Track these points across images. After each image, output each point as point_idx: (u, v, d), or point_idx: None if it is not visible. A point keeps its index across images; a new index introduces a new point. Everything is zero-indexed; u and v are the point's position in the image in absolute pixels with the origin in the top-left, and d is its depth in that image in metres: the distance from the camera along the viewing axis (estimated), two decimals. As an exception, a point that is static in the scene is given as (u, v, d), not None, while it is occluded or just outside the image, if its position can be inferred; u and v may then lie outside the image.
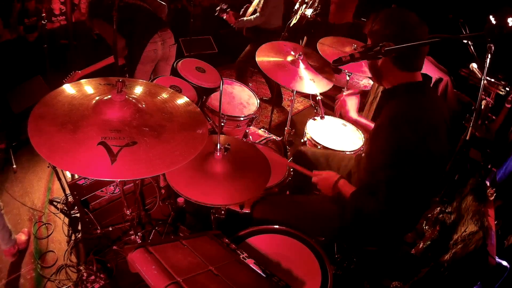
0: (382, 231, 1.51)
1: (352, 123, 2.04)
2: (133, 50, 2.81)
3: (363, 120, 2.05)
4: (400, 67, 1.38)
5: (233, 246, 1.34)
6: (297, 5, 4.37)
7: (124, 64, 2.90)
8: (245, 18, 3.66)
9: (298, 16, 4.26)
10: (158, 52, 2.87)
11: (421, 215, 2.27)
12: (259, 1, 3.62)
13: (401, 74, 1.39)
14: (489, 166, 2.35)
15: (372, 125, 2.00)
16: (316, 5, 4.16)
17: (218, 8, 3.66)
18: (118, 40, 2.47)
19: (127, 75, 2.92)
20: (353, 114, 2.05)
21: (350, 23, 4.61)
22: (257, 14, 3.59)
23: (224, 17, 3.69)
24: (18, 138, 2.93)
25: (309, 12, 4.05)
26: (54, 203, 2.54)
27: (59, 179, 2.33)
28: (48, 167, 2.85)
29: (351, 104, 2.07)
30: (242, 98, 2.80)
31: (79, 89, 1.46)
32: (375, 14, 1.40)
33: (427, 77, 1.45)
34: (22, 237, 2.21)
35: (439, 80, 2.86)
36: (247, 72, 4.12)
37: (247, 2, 3.94)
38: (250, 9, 3.76)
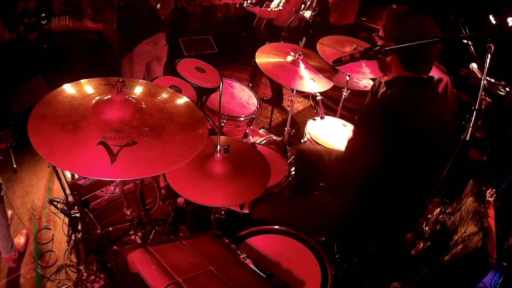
0: (385, 228, 1.52)
1: None
2: (125, 44, 2.81)
3: None
4: (406, 67, 1.37)
5: (233, 246, 1.34)
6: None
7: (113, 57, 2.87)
8: (269, 9, 3.84)
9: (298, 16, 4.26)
10: (150, 52, 2.89)
11: (421, 215, 2.27)
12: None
13: (405, 73, 1.39)
14: (493, 169, 2.32)
15: None
16: (314, 5, 4.17)
17: (249, 1, 3.82)
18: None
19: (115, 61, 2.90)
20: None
21: (351, 24, 4.61)
22: (280, 7, 3.77)
23: (250, 8, 3.85)
24: (18, 138, 2.93)
25: (307, 14, 4.07)
26: (54, 203, 2.54)
27: (59, 179, 2.32)
28: (48, 167, 2.85)
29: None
30: (242, 98, 2.80)
31: (79, 89, 1.46)
32: (390, 8, 1.39)
33: (429, 77, 1.44)
34: (21, 240, 2.20)
35: (439, 80, 2.86)
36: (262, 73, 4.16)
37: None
38: (273, 4, 3.90)
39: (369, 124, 1.33)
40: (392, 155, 1.30)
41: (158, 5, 2.92)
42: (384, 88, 1.55)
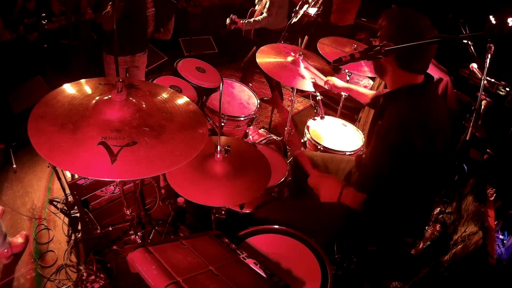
0: (385, 228, 1.52)
1: (345, 91, 2.19)
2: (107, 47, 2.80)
3: (353, 86, 2.16)
4: (402, 66, 1.37)
5: (233, 246, 1.34)
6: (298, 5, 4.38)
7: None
8: (252, 20, 3.70)
9: (299, 15, 4.26)
10: (127, 62, 2.91)
11: (429, 215, 2.28)
12: (265, 4, 3.67)
13: (403, 74, 1.39)
14: (509, 212, 2.30)
15: (362, 90, 2.09)
16: (318, 4, 4.17)
17: (229, 21, 3.65)
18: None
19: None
20: (342, 83, 2.21)
21: (352, 24, 4.62)
22: (264, 15, 3.65)
23: (232, 27, 3.69)
24: (18, 138, 2.93)
25: (312, 11, 4.05)
26: (54, 203, 2.54)
27: (59, 179, 2.33)
28: (48, 167, 2.85)
29: (336, 79, 2.23)
30: (242, 98, 2.80)
31: (79, 89, 1.46)
32: (387, 11, 1.39)
33: (428, 77, 1.44)
34: (18, 240, 2.19)
35: (439, 80, 2.86)
36: (252, 74, 4.14)
37: (251, 5, 3.99)
38: (257, 13, 3.82)
39: (394, 141, 1.33)
40: (409, 161, 1.30)
41: (161, 29, 3.00)
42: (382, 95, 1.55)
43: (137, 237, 2.11)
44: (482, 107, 2.35)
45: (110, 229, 2.26)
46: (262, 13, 3.72)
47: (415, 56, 1.35)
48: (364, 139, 2.56)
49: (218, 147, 1.59)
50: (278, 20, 3.76)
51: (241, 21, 3.66)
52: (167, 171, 1.27)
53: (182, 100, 1.57)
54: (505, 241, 2.11)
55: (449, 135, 1.38)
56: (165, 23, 2.99)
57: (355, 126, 2.75)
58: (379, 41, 1.40)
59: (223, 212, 1.82)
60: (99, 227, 2.19)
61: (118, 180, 1.90)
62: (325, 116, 2.70)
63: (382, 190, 1.40)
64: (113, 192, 2.24)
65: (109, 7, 2.47)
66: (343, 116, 2.97)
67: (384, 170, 1.38)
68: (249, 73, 4.06)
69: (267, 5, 3.64)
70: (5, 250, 2.06)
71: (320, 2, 4.18)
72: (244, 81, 4.02)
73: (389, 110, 1.43)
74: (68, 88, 1.44)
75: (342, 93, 3.02)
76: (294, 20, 4.20)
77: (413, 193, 1.35)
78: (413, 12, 1.35)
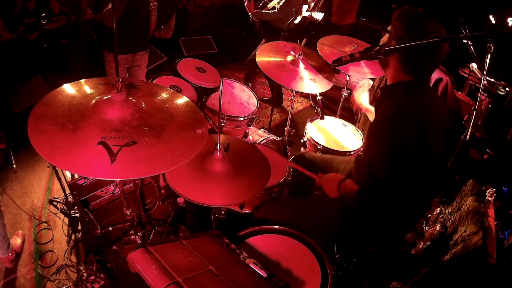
0: (385, 228, 1.52)
1: (365, 111, 2.15)
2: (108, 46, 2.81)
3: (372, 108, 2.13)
4: (405, 68, 1.38)
5: (233, 246, 1.34)
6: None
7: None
8: (263, 11, 3.77)
9: (300, 17, 4.26)
10: (128, 61, 2.91)
11: (422, 215, 2.27)
12: (280, 0, 3.75)
13: (405, 75, 1.39)
14: (509, 212, 2.30)
15: None
16: (319, 6, 4.17)
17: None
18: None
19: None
20: (367, 104, 2.21)
21: (353, 23, 4.63)
22: (275, 10, 3.72)
23: (246, 4, 3.79)
24: (18, 138, 2.93)
25: (319, 16, 4.05)
26: (54, 203, 2.54)
27: (59, 179, 2.32)
28: (48, 167, 2.85)
29: (363, 97, 2.21)
30: (242, 98, 2.79)
31: (79, 89, 1.46)
32: (405, 10, 1.39)
33: None
34: (17, 241, 2.20)
35: (439, 80, 2.86)
36: (256, 71, 4.15)
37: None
38: (270, 6, 3.87)
39: (385, 135, 1.34)
40: (404, 157, 1.30)
41: (162, 27, 3.00)
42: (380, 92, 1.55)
43: (137, 237, 2.11)
44: (482, 107, 2.35)
45: (110, 229, 2.26)
46: (274, 7, 3.77)
47: (422, 61, 1.35)
48: (364, 139, 2.56)
49: (218, 145, 1.59)
50: (287, 19, 3.78)
51: (254, 8, 3.76)
52: (166, 170, 1.27)
53: (182, 100, 1.57)
54: (505, 241, 2.11)
55: (442, 134, 1.37)
56: (167, 19, 2.98)
57: (355, 126, 2.75)
58: (388, 37, 1.40)
59: (223, 212, 1.82)
60: (99, 227, 2.19)
61: (118, 180, 1.90)
62: (325, 116, 2.69)
63: (375, 185, 1.40)
64: (113, 192, 2.24)
65: (109, 5, 2.47)
66: (343, 117, 2.96)
67: (376, 165, 1.38)
68: (253, 70, 4.07)
69: (281, 2, 3.71)
70: (10, 254, 2.07)
71: (321, 3, 4.18)
72: (249, 79, 4.03)
73: (384, 104, 1.44)
74: (68, 88, 1.44)
75: (343, 93, 3.03)
76: (296, 22, 4.21)
77: (405, 191, 1.35)
78: (430, 18, 1.33)
